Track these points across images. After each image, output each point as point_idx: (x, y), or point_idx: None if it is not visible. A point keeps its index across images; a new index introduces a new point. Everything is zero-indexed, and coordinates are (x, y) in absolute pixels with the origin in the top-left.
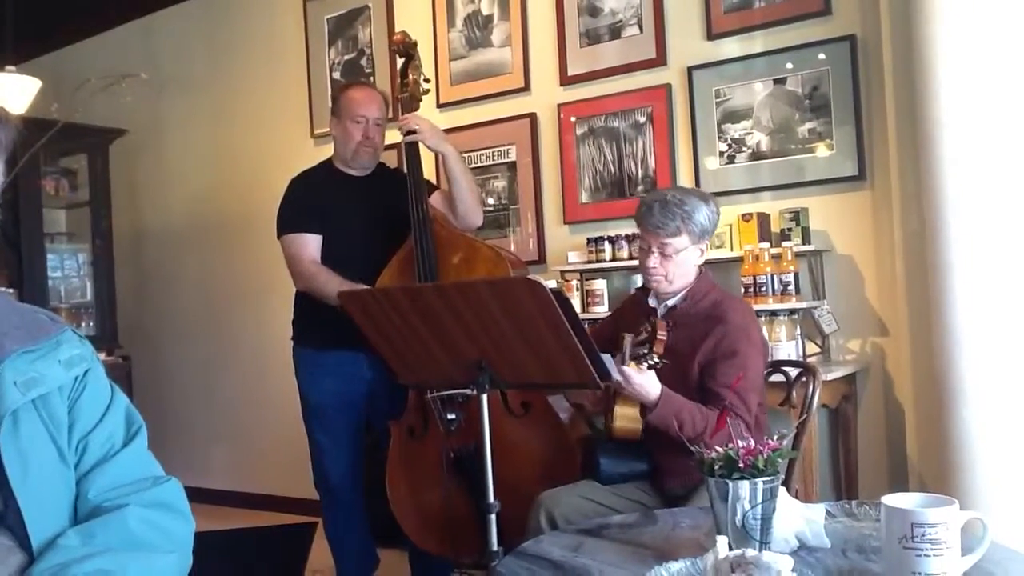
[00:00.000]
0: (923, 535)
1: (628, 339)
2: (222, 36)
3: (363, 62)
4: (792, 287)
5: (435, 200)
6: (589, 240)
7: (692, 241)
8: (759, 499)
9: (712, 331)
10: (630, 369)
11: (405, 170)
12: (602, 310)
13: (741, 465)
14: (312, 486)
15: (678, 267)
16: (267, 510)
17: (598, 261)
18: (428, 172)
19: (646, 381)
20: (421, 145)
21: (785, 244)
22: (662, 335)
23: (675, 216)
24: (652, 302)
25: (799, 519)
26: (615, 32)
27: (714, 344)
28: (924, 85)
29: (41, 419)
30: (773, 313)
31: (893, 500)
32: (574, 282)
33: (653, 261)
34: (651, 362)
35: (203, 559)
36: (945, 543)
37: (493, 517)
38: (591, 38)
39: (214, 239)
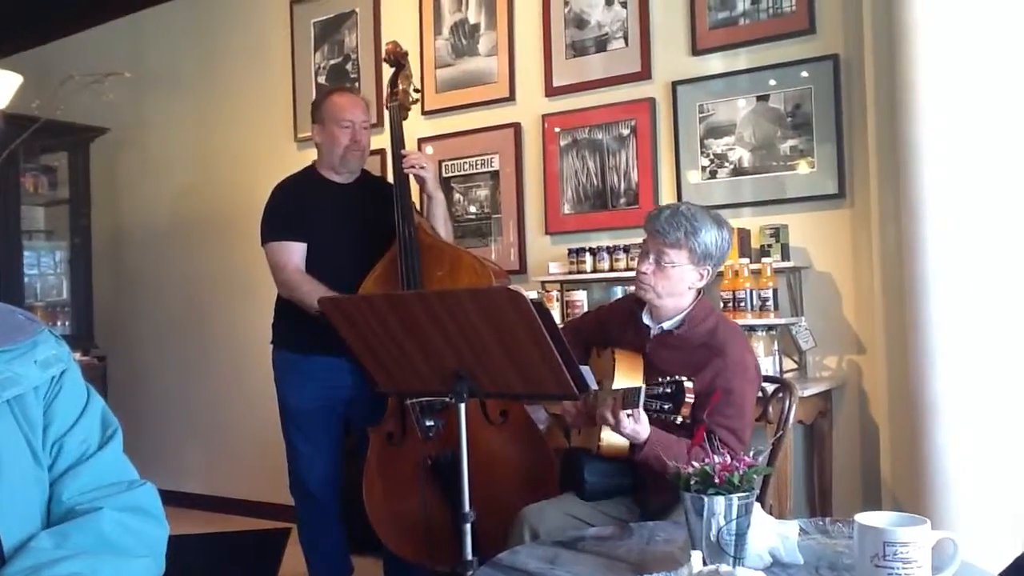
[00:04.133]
0: (895, 554)
1: (642, 388)
2: (208, 36)
3: (348, 67)
4: (771, 303)
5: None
6: (570, 251)
7: (691, 260)
8: (734, 515)
9: (710, 363)
10: (624, 418)
11: (391, 179)
12: None
13: (716, 481)
14: (287, 491)
15: (670, 283)
16: (241, 515)
17: (579, 272)
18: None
19: (639, 429)
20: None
21: (764, 260)
22: (689, 399)
23: (680, 227)
24: (647, 319)
25: (773, 535)
26: (601, 45)
27: (711, 378)
28: (905, 105)
29: (16, 420)
30: (751, 328)
31: (866, 518)
32: (554, 292)
33: (646, 267)
34: (660, 416)
35: (176, 563)
36: (916, 562)
37: (468, 526)
38: (577, 50)
39: (194, 240)
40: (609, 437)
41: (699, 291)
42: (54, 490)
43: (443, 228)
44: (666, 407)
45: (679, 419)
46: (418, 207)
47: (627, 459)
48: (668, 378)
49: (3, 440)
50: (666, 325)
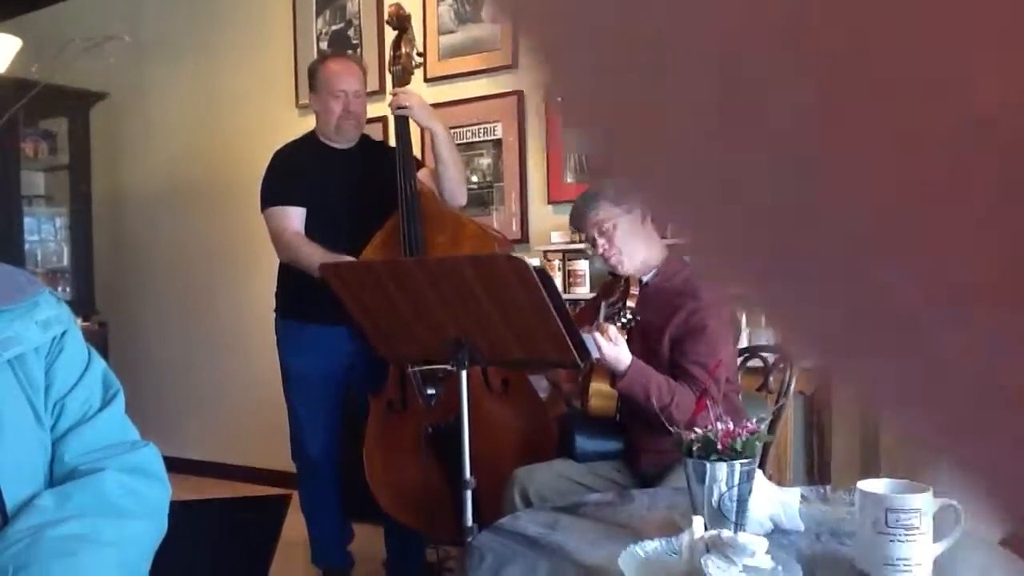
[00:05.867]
0: (897, 520)
1: (602, 304)
2: (208, 1)
3: (350, 33)
4: None
5: (422, 176)
6: (570, 221)
7: (619, 208)
8: (736, 481)
9: (683, 306)
10: (602, 339)
11: (394, 144)
12: (583, 291)
13: (719, 447)
14: (289, 458)
15: (626, 240)
16: (242, 481)
17: (581, 242)
18: (416, 149)
19: (619, 352)
20: (411, 121)
21: None
22: (634, 291)
23: (586, 199)
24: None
25: (774, 502)
26: None
27: (684, 318)
28: None
29: (17, 379)
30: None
31: (868, 485)
32: (556, 262)
33: (601, 247)
34: (624, 319)
35: (176, 529)
36: (918, 529)
37: (469, 493)
38: None
39: (196, 206)
40: (597, 391)
41: (669, 248)
42: (56, 450)
43: (451, 169)
44: (617, 309)
45: (627, 313)
46: (424, 160)
47: (618, 422)
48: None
49: (4, 400)
50: (643, 279)
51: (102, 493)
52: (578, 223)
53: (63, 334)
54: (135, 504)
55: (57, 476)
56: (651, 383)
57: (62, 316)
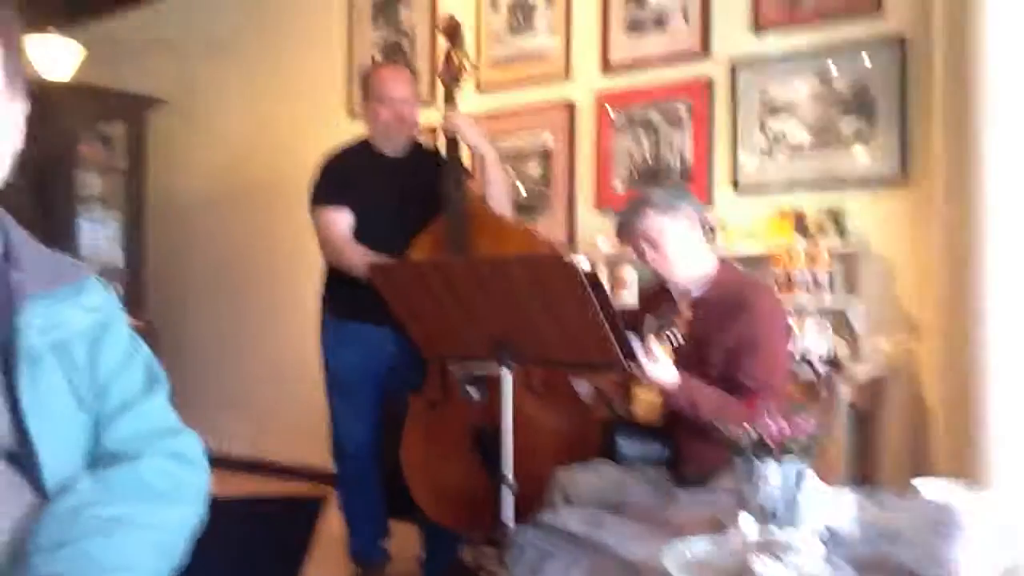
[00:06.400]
0: (955, 523)
1: (651, 320)
2: (265, 9)
3: (404, 43)
4: (826, 284)
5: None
6: (615, 232)
7: (665, 216)
8: (787, 481)
9: (737, 318)
10: (645, 360)
11: (445, 154)
12: (628, 296)
13: (772, 446)
14: (328, 456)
15: (674, 247)
16: (283, 478)
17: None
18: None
19: (660, 371)
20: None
21: (821, 241)
22: (686, 313)
23: (631, 208)
24: (674, 290)
25: (828, 505)
26: (659, 22)
27: (739, 331)
28: (975, 89)
29: (60, 363)
30: (805, 310)
31: (926, 486)
32: (601, 266)
33: (649, 256)
34: (672, 340)
35: (215, 524)
36: (977, 531)
37: (509, 493)
38: (635, 27)
39: (247, 210)
40: (643, 398)
41: (721, 259)
42: (97, 434)
43: (498, 190)
44: (663, 325)
45: (676, 333)
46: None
47: (662, 427)
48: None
49: (47, 383)
50: (694, 293)
51: (141, 477)
52: (624, 233)
53: (108, 319)
54: (174, 489)
55: (96, 460)
56: (701, 399)
57: (108, 301)
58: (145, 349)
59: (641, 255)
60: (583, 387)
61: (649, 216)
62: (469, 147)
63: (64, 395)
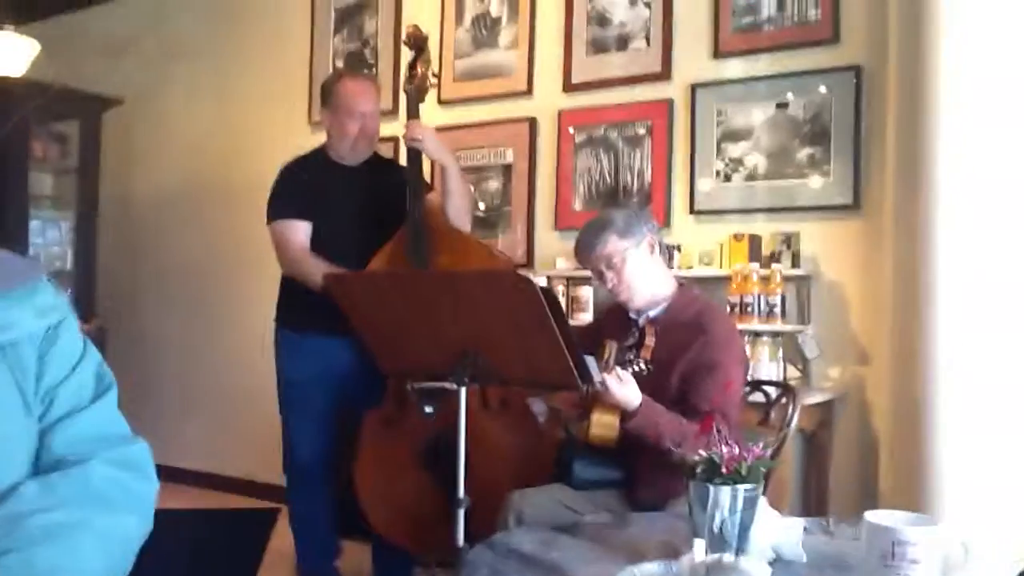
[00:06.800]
0: (904, 554)
1: (613, 345)
2: (227, 12)
3: (367, 53)
4: (778, 309)
5: (430, 198)
6: (574, 253)
7: (627, 242)
8: (739, 506)
9: (694, 341)
10: (611, 379)
11: (405, 164)
12: (587, 317)
13: (724, 470)
14: (279, 471)
15: (635, 274)
16: (235, 492)
17: (586, 268)
18: (426, 173)
19: (626, 392)
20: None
21: (774, 266)
22: (650, 341)
23: (592, 231)
24: (632, 314)
25: (777, 530)
26: (622, 43)
27: (695, 355)
28: (928, 119)
29: (8, 365)
30: (757, 334)
31: (875, 516)
32: (560, 287)
33: (610, 281)
34: (637, 368)
35: (164, 537)
36: (926, 563)
37: (461, 512)
38: (597, 47)
39: (201, 215)
40: (599, 422)
41: (680, 282)
42: (44, 440)
43: (458, 201)
44: (630, 356)
45: (641, 363)
46: (433, 185)
47: (617, 451)
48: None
49: None
50: (652, 314)
51: (88, 483)
52: (583, 256)
53: (59, 323)
54: (121, 497)
55: (43, 466)
56: (662, 424)
57: (59, 305)
58: (95, 353)
59: (600, 277)
60: (539, 407)
61: (611, 242)
62: (431, 159)
63: (10, 398)
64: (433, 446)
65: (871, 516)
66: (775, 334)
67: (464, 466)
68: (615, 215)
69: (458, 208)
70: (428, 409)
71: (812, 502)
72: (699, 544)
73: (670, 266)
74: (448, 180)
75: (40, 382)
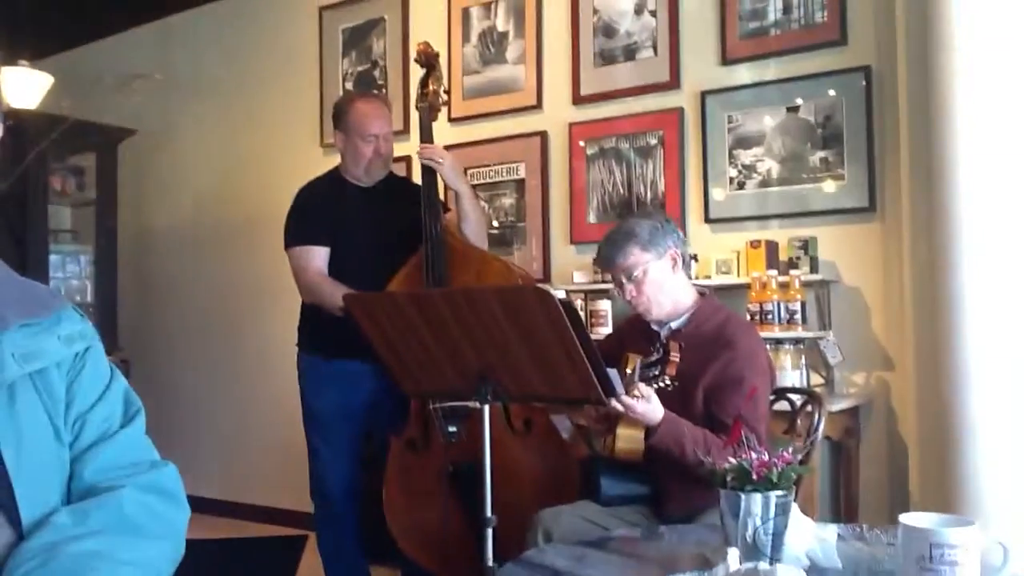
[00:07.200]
0: (942, 556)
1: (637, 361)
2: (236, 41)
3: (376, 73)
4: (798, 316)
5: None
6: (595, 260)
7: (649, 254)
8: (771, 514)
9: (719, 355)
10: (630, 400)
11: (421, 184)
12: (605, 331)
13: (755, 477)
14: (308, 498)
15: (655, 287)
16: (261, 521)
17: (603, 281)
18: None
19: (649, 409)
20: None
21: (793, 272)
22: (675, 357)
23: (616, 242)
24: (655, 325)
25: (811, 537)
26: (630, 54)
27: (721, 369)
28: (940, 118)
29: (38, 394)
30: (778, 342)
31: (911, 519)
32: (578, 302)
33: (629, 293)
34: (661, 384)
35: (192, 568)
36: (964, 565)
37: (490, 532)
38: (605, 59)
39: (220, 244)
40: (625, 436)
41: (702, 291)
42: (75, 468)
43: (474, 226)
44: (655, 372)
45: (666, 379)
46: (449, 206)
47: (644, 466)
48: (659, 344)
49: (25, 414)
50: (674, 325)
51: (120, 511)
52: (604, 265)
53: (86, 350)
54: (153, 524)
55: (75, 493)
56: (685, 438)
57: (85, 332)
58: (122, 379)
59: (620, 287)
60: (564, 424)
61: (633, 254)
62: (447, 184)
63: (42, 427)
64: (458, 468)
65: (906, 519)
66: (796, 341)
67: (490, 489)
68: (640, 225)
69: (474, 230)
70: (451, 429)
71: (842, 511)
72: (733, 553)
73: (688, 276)
74: (462, 204)
75: (70, 410)
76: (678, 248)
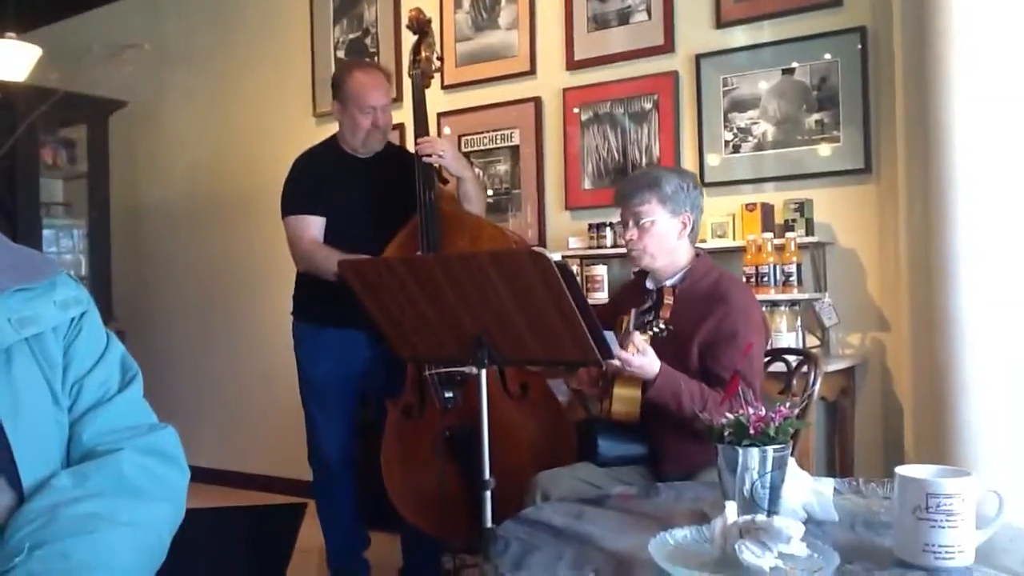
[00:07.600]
0: (938, 506)
1: (632, 312)
2: (227, 9)
3: (368, 41)
4: (794, 278)
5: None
6: (590, 226)
7: (664, 210)
8: (768, 467)
9: (713, 311)
10: (627, 354)
11: (415, 171)
12: (602, 296)
13: (751, 432)
14: (304, 466)
15: (656, 241)
16: (259, 490)
17: (599, 247)
18: None
19: (645, 362)
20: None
21: (788, 235)
22: (668, 301)
23: (640, 185)
24: (650, 284)
25: (808, 491)
26: (623, 17)
27: (715, 324)
28: (935, 78)
29: (35, 359)
30: (774, 303)
31: (908, 471)
32: (574, 267)
33: (631, 234)
34: (656, 329)
35: (192, 537)
36: (960, 515)
37: (488, 494)
38: (599, 23)
39: (213, 215)
40: (621, 396)
41: (696, 252)
42: (74, 431)
43: (476, 205)
44: (648, 319)
45: (660, 323)
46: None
47: (641, 426)
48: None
49: (22, 378)
50: (668, 283)
51: (119, 473)
52: (620, 200)
53: (82, 315)
54: (153, 486)
55: (74, 457)
56: (682, 391)
57: (80, 297)
58: (118, 344)
59: (624, 225)
60: (560, 388)
61: (650, 203)
62: (452, 173)
63: (40, 391)
64: (455, 434)
65: (903, 470)
66: (792, 303)
67: (487, 448)
68: (667, 179)
69: (476, 209)
70: (448, 395)
71: (837, 470)
72: (731, 506)
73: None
74: (465, 187)
75: (67, 374)
76: (691, 215)
